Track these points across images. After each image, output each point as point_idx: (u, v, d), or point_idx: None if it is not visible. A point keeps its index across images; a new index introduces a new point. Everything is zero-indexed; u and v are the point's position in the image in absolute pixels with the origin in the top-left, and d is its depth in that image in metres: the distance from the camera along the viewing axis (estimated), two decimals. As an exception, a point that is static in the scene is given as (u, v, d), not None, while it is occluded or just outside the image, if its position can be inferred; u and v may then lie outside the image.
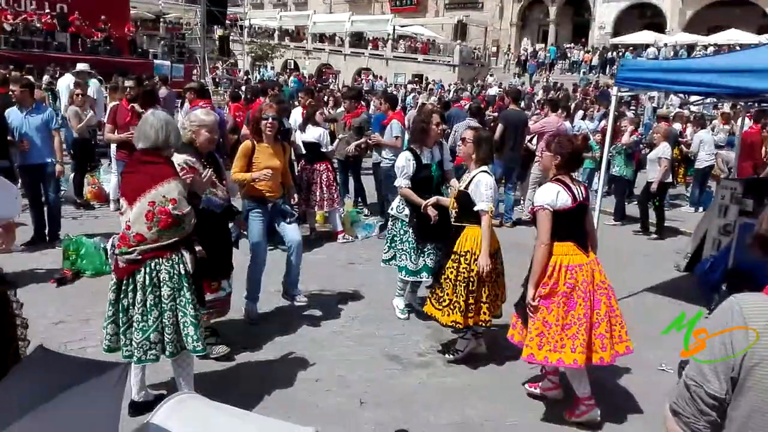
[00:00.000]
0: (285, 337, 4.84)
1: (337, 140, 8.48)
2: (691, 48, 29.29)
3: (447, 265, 4.38)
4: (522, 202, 9.87)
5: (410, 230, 5.06)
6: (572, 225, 3.69)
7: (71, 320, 4.93)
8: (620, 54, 30.17)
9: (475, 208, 4.27)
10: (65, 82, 12.35)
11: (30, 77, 8.06)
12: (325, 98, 13.26)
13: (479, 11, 42.56)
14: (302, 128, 7.59)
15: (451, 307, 4.32)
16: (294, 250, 5.20)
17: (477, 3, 42.86)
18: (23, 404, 1.19)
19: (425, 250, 5.09)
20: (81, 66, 11.53)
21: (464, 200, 4.36)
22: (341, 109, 10.31)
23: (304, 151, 7.50)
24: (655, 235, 8.97)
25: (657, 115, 12.66)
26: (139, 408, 3.55)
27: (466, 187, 4.35)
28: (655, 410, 4.00)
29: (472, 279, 4.27)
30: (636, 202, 9.74)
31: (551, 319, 3.62)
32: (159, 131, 3.27)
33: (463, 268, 4.28)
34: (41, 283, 5.68)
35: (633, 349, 3.71)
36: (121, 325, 3.32)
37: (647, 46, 30.46)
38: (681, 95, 10.77)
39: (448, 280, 4.36)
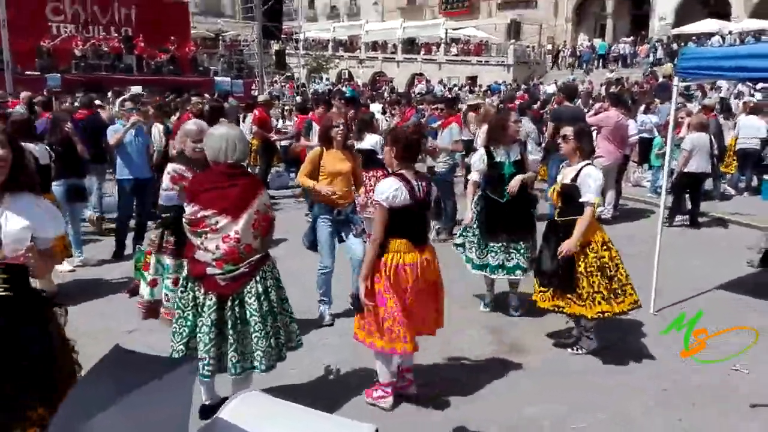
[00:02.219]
0: (341, 341, 4.92)
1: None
2: (759, 35, 27.85)
3: (574, 262, 4.38)
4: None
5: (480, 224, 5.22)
6: (409, 221, 3.63)
7: (143, 329, 5.15)
8: (681, 45, 29.03)
9: (581, 200, 4.33)
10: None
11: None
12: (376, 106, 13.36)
13: (533, 9, 41.91)
14: (358, 136, 7.69)
15: (591, 299, 4.35)
16: (357, 266, 5.20)
17: (530, 1, 42.24)
18: (102, 399, 1.28)
19: (491, 247, 5.19)
20: (135, 89, 12.11)
21: (571, 192, 4.41)
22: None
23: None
24: (688, 225, 8.91)
25: (701, 105, 12.18)
26: (207, 411, 3.66)
27: (573, 180, 4.41)
28: (729, 409, 3.88)
29: (608, 266, 4.34)
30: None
31: (383, 311, 3.61)
32: (234, 147, 3.36)
33: (592, 258, 4.34)
34: (115, 294, 5.98)
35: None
36: (231, 342, 3.31)
37: (711, 35, 29.19)
38: (748, 83, 10.33)
39: (581, 275, 4.37)
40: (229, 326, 3.30)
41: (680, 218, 9.23)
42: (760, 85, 15.42)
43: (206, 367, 3.32)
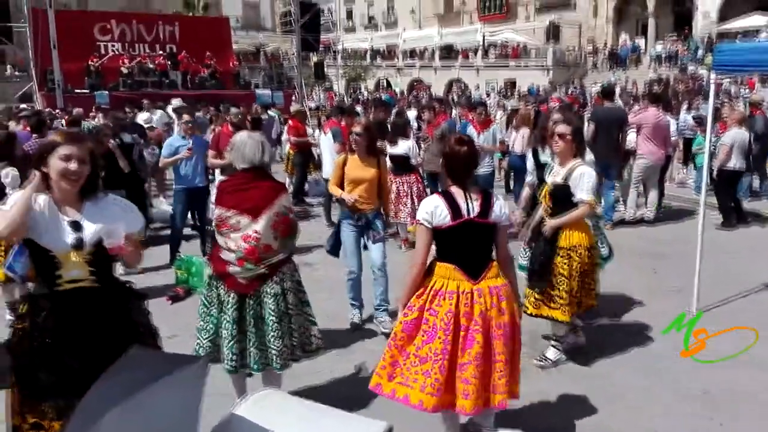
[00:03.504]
0: (367, 341, 5.01)
1: (423, 152, 8.57)
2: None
3: (557, 262, 4.23)
4: (622, 202, 9.44)
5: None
6: (455, 244, 3.14)
7: (183, 334, 5.25)
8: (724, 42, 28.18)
9: (575, 199, 4.19)
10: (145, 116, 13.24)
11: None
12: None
13: (572, 11, 41.32)
14: (392, 141, 7.75)
15: (569, 302, 4.24)
16: (377, 272, 5.27)
17: (569, 3, 41.67)
18: (116, 396, 1.34)
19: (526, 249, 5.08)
20: (175, 101, 12.59)
21: (562, 193, 4.25)
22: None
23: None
24: (736, 225, 8.61)
25: (749, 101, 11.78)
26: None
27: (565, 180, 4.24)
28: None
29: (586, 271, 4.27)
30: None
31: (410, 348, 3.10)
32: (256, 152, 3.54)
33: (577, 263, 4.20)
34: (157, 299, 6.15)
35: (507, 404, 3.08)
36: (251, 339, 3.43)
37: (758, 30, 28.22)
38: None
39: (562, 278, 4.20)
40: (249, 324, 3.44)
41: (714, 214, 8.99)
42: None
43: (229, 362, 3.46)
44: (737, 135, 8.62)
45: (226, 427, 1.52)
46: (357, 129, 5.31)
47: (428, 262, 3.23)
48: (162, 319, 5.50)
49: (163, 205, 10.40)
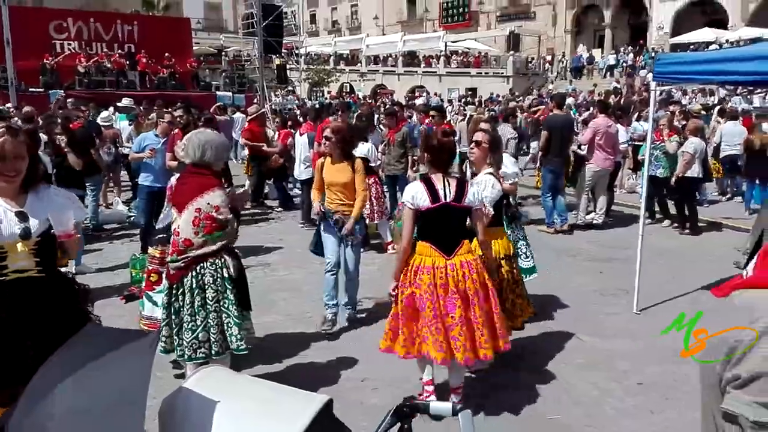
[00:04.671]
0: (334, 342, 5.07)
1: (385, 155, 8.72)
2: (754, 43, 28.02)
3: None
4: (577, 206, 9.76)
5: None
6: (433, 225, 3.64)
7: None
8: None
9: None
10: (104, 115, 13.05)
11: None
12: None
13: (532, 20, 42.32)
14: (350, 144, 7.86)
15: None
16: (349, 274, 5.38)
17: (529, 13, 42.65)
18: (71, 367, 1.42)
19: None
20: (125, 101, 12.55)
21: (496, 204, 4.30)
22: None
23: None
24: (687, 232, 8.94)
25: (684, 111, 12.35)
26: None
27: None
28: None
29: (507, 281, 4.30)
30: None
31: (416, 316, 3.61)
32: (196, 149, 3.65)
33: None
34: (112, 298, 6.12)
35: (491, 356, 3.60)
36: (173, 326, 3.65)
37: (709, 44, 29.40)
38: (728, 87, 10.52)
39: None
40: (171, 312, 3.66)
41: (667, 223, 9.38)
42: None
43: (160, 344, 3.69)
44: (698, 144, 8.92)
45: (175, 398, 1.61)
46: (327, 132, 5.35)
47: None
48: (117, 318, 5.55)
49: (119, 205, 10.30)
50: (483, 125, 5.32)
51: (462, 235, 3.69)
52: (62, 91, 20.55)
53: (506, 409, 3.95)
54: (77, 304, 2.79)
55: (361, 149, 7.70)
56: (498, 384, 4.30)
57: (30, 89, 20.48)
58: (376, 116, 12.64)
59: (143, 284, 4.51)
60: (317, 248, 5.45)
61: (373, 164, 7.74)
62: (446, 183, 3.63)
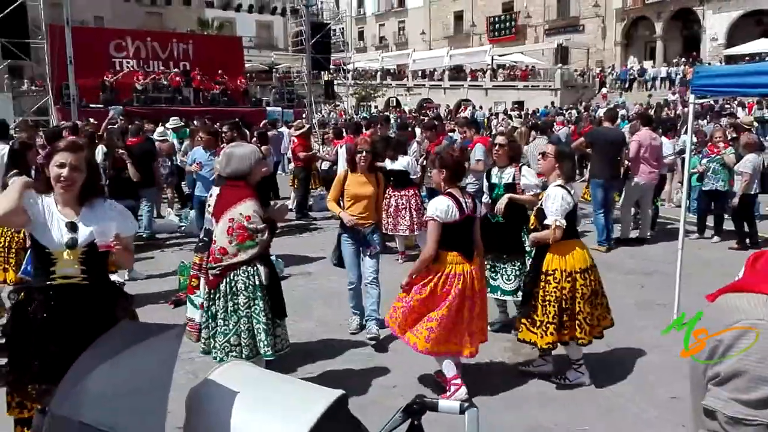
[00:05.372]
0: (367, 349, 5.19)
1: (427, 168, 8.83)
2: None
3: (537, 287, 4.29)
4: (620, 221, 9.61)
5: None
6: (459, 235, 4.02)
7: (185, 336, 5.54)
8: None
9: (544, 222, 4.26)
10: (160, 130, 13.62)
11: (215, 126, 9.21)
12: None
13: (580, 33, 41.84)
14: (392, 157, 8.01)
15: (544, 328, 4.24)
16: (369, 285, 5.45)
17: (578, 26, 42.19)
18: (106, 355, 1.59)
19: (497, 268, 5.32)
20: (172, 120, 13.13)
21: (541, 217, 4.32)
22: None
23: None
24: (752, 249, 8.50)
25: (735, 124, 11.87)
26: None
27: (542, 203, 4.36)
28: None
29: (564, 297, 4.18)
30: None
31: (423, 312, 4.04)
32: (223, 161, 3.91)
33: (552, 288, 4.20)
34: (161, 304, 6.41)
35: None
36: (210, 329, 3.86)
37: (765, 55, 28.45)
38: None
39: (537, 302, 4.27)
40: (210, 316, 3.86)
41: (717, 239, 9.13)
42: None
43: (201, 345, 3.98)
44: (756, 160, 8.61)
45: (201, 388, 1.76)
46: (363, 146, 5.47)
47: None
48: (167, 322, 5.81)
49: (171, 216, 10.72)
50: (498, 138, 5.42)
51: (474, 243, 4.19)
52: (121, 107, 21.53)
53: (533, 419, 3.98)
54: (113, 313, 2.92)
55: (401, 162, 7.88)
56: (525, 394, 4.33)
57: (90, 105, 21.48)
58: (417, 130, 12.78)
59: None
60: (339, 261, 5.56)
61: (413, 176, 7.87)
62: (463, 197, 4.08)
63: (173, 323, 1.73)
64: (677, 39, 38.09)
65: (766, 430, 1.37)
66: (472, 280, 4.02)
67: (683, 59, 34.42)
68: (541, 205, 4.36)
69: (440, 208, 3.94)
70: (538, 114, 28.37)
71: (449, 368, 4.14)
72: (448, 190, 4.06)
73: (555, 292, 4.19)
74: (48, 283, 2.79)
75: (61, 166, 2.78)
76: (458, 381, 4.13)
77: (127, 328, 1.75)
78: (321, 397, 1.76)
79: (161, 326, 1.73)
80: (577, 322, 4.23)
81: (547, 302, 4.22)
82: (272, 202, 4.84)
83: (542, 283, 4.25)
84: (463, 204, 4.01)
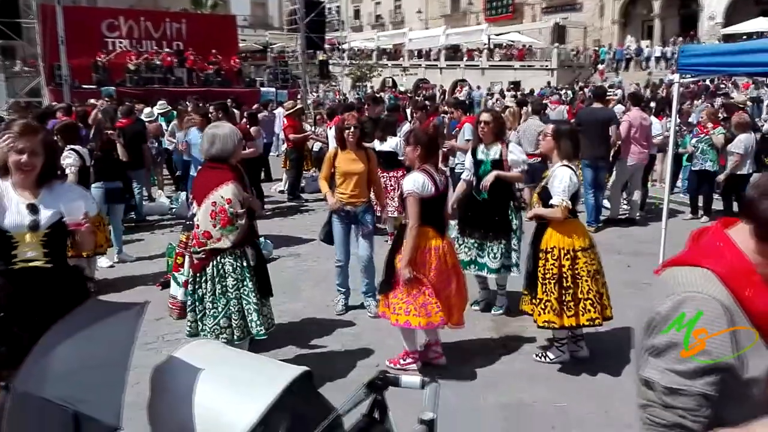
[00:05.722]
0: (352, 329, 5.25)
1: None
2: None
3: (537, 265, 4.30)
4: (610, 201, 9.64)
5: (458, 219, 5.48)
6: (432, 211, 4.13)
7: (169, 318, 5.58)
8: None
9: (550, 202, 4.23)
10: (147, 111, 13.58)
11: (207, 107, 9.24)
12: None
13: (578, 12, 41.52)
14: (381, 138, 8.00)
15: (543, 306, 4.24)
16: (365, 264, 5.52)
17: (575, 4, 41.85)
18: (70, 332, 1.63)
19: (465, 242, 5.36)
20: (159, 104, 13.11)
21: (545, 196, 4.30)
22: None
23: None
24: None
25: (727, 103, 11.83)
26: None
27: (547, 183, 4.33)
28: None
29: (565, 275, 4.18)
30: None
31: (416, 291, 4.10)
32: (206, 142, 3.87)
33: (550, 265, 4.21)
34: (149, 286, 6.45)
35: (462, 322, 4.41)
36: (197, 312, 3.87)
37: (762, 33, 28.27)
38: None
39: (537, 279, 4.30)
40: (197, 299, 3.87)
41: (706, 219, 9.16)
42: None
43: (186, 328, 3.99)
44: (747, 140, 8.58)
45: (166, 365, 1.79)
46: (350, 122, 5.52)
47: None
48: (154, 303, 5.84)
49: (162, 198, 10.73)
50: (483, 116, 5.46)
51: (445, 219, 4.37)
52: (114, 87, 21.38)
53: (514, 396, 4.05)
54: (77, 296, 2.88)
55: (390, 143, 7.85)
56: (507, 371, 4.40)
57: (83, 86, 21.33)
58: (408, 110, 12.75)
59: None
60: (327, 237, 5.60)
61: (401, 157, 7.85)
62: (438, 172, 4.25)
63: (134, 302, 1.76)
64: (675, 18, 37.80)
65: (702, 399, 1.42)
66: (445, 255, 4.15)
67: (680, 38, 34.20)
68: (546, 184, 4.33)
69: (417, 182, 4.03)
70: (535, 95, 28.23)
71: (411, 341, 4.35)
72: (423, 166, 4.14)
73: (553, 269, 4.20)
74: (9, 267, 2.76)
75: (20, 152, 2.75)
76: (416, 355, 4.37)
77: (91, 307, 1.78)
78: (284, 373, 1.80)
79: (123, 305, 1.76)
80: (589, 301, 4.19)
81: (546, 280, 4.22)
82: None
83: (541, 261, 4.27)
84: (437, 180, 4.14)
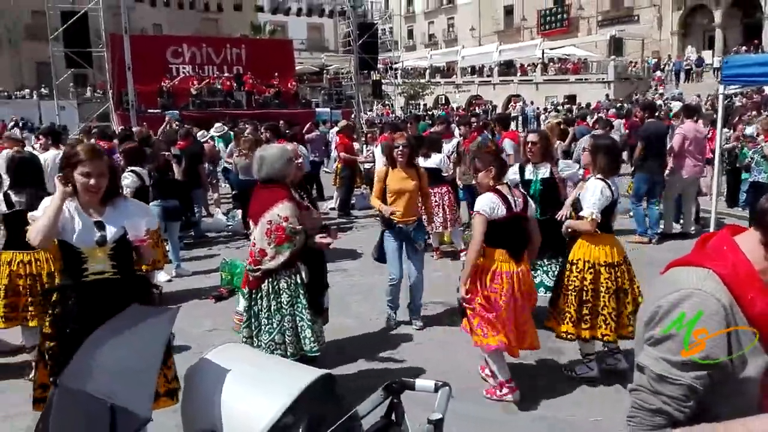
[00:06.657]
0: (399, 345, 5.34)
1: (454, 165, 8.90)
2: None
3: (563, 276, 4.38)
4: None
5: None
6: (506, 233, 3.99)
7: (223, 328, 5.81)
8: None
9: (580, 213, 4.30)
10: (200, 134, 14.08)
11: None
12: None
13: (635, 24, 40.67)
14: (425, 155, 8.12)
15: (562, 316, 4.31)
16: (414, 281, 5.61)
17: (632, 16, 41.04)
18: (112, 334, 1.82)
19: (537, 264, 5.32)
20: (216, 126, 13.62)
21: (578, 207, 4.38)
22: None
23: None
24: None
25: None
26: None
27: (579, 194, 4.41)
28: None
29: (585, 288, 4.20)
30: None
31: (489, 316, 4.02)
32: (256, 165, 4.02)
33: (574, 276, 4.25)
34: (203, 299, 6.74)
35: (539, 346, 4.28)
36: (253, 329, 3.96)
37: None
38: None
39: (560, 290, 4.38)
40: (253, 316, 3.96)
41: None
42: None
43: (243, 342, 4.00)
44: None
45: (197, 367, 1.96)
46: (399, 141, 5.66)
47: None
48: (206, 317, 6.15)
49: (219, 215, 11.15)
50: (531, 136, 5.49)
51: (525, 244, 4.13)
52: (178, 111, 22.37)
53: (552, 411, 4.06)
54: (146, 301, 3.09)
55: (434, 159, 7.97)
56: (548, 386, 4.40)
57: (148, 110, 22.40)
58: (453, 125, 12.83)
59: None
60: (380, 256, 5.69)
61: (445, 174, 7.97)
62: (512, 195, 4.06)
63: (169, 306, 1.94)
64: (737, 27, 36.50)
65: (688, 390, 1.49)
66: (519, 281, 4.00)
67: (744, 48, 32.95)
68: (579, 195, 4.40)
69: (485, 203, 3.98)
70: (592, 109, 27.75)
71: (502, 368, 4.17)
72: (496, 187, 4.06)
73: (575, 281, 4.24)
74: (81, 280, 2.98)
75: (87, 175, 2.98)
76: (511, 384, 4.17)
77: (130, 312, 1.98)
78: (305, 375, 1.94)
79: (158, 310, 1.95)
80: (601, 317, 4.20)
81: (568, 291, 4.27)
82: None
83: (567, 272, 4.33)
84: (511, 201, 4.01)
